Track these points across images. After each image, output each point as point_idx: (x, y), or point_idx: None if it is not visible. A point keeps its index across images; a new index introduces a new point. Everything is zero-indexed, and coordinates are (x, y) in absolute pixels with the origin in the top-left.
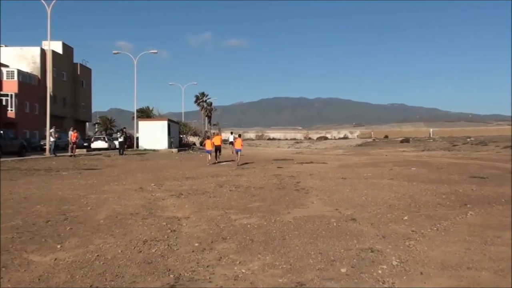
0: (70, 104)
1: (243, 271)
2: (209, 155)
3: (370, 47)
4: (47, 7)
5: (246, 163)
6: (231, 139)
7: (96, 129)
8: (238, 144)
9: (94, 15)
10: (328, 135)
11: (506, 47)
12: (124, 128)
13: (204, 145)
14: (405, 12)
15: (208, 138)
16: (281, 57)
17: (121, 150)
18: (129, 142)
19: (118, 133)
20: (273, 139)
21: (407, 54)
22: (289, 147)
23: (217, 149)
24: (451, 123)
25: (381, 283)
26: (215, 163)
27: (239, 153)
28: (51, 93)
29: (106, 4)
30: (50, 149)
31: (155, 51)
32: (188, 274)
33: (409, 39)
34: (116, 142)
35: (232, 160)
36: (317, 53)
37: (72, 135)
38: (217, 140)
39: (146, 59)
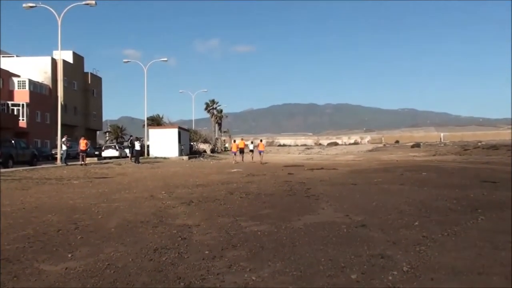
0: (81, 113)
1: (254, 278)
2: (235, 156)
3: (379, 52)
4: (57, 17)
5: (267, 162)
6: (251, 147)
7: (107, 138)
8: (261, 147)
9: (102, 24)
10: (339, 141)
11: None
12: (131, 136)
13: (231, 148)
14: (414, 16)
15: (235, 141)
16: (290, 63)
17: (137, 158)
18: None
19: (137, 142)
20: (284, 145)
21: (417, 58)
22: (299, 153)
23: (241, 151)
24: (462, 127)
25: None
26: (239, 162)
27: (262, 153)
28: (62, 102)
29: (113, 13)
30: (61, 158)
31: (165, 59)
32: (198, 282)
33: (419, 43)
34: (127, 151)
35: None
36: (326, 59)
37: (81, 143)
38: (241, 144)
39: (155, 67)
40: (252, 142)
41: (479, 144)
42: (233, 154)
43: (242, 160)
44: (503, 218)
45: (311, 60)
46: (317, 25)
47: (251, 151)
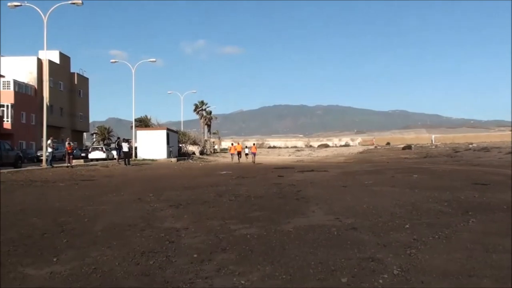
0: (67, 114)
1: (243, 282)
2: (232, 157)
3: (370, 53)
4: (43, 16)
5: (260, 163)
6: (246, 151)
7: (94, 139)
8: (253, 149)
9: (89, 24)
10: (329, 143)
11: (507, 51)
12: (119, 137)
13: (229, 149)
14: (405, 17)
15: (232, 144)
16: (279, 64)
17: (128, 160)
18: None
19: (125, 143)
20: (274, 147)
21: (408, 60)
22: (289, 155)
23: (238, 153)
24: (453, 129)
25: None
26: (237, 163)
27: (254, 156)
28: (48, 103)
29: (100, 13)
30: (47, 160)
31: (154, 59)
32: (186, 286)
33: (410, 44)
34: (114, 152)
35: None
36: (317, 60)
37: (68, 147)
38: (238, 147)
39: (142, 68)
40: (246, 147)
41: (470, 146)
42: (231, 155)
43: (239, 160)
44: (494, 220)
45: (301, 62)
46: (307, 26)
47: (246, 154)
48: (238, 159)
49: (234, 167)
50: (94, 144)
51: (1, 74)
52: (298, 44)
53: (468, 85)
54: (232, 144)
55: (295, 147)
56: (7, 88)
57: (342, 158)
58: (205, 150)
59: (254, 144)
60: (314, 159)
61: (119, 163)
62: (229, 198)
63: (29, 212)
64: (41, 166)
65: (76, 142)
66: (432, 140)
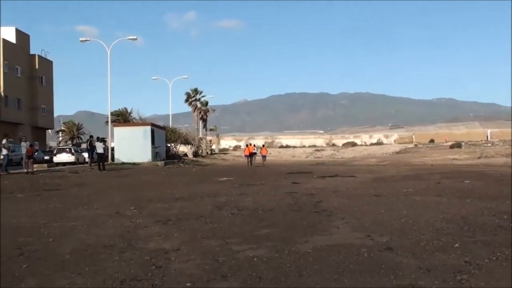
0: (26, 107)
1: None
2: (248, 160)
3: (409, 30)
4: None
5: (269, 166)
6: (255, 150)
7: (60, 138)
8: (264, 151)
9: None
10: (357, 140)
11: None
12: (91, 136)
13: (244, 151)
14: None
15: (247, 146)
16: (291, 41)
17: (102, 164)
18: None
19: (99, 143)
20: (287, 146)
21: (456, 38)
22: (307, 157)
23: (251, 155)
24: None
25: None
26: (250, 165)
27: (264, 158)
28: (2, 93)
29: None
30: (1, 165)
31: (134, 37)
32: None
33: (459, 20)
34: (85, 155)
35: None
36: (341, 36)
37: (29, 150)
38: (251, 149)
39: (120, 49)
40: (254, 145)
41: None
42: (246, 158)
43: (251, 164)
44: None
45: (320, 37)
46: None
47: (255, 153)
48: (250, 162)
49: (237, 172)
50: (60, 145)
51: None
52: (314, 14)
53: None
54: (246, 145)
55: (314, 146)
56: None
57: (374, 160)
58: (200, 151)
59: (263, 145)
60: (338, 161)
61: (92, 168)
62: (230, 212)
63: None
64: None
65: (37, 142)
66: (487, 136)
